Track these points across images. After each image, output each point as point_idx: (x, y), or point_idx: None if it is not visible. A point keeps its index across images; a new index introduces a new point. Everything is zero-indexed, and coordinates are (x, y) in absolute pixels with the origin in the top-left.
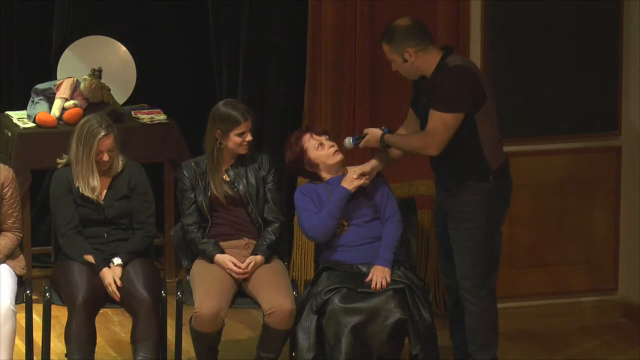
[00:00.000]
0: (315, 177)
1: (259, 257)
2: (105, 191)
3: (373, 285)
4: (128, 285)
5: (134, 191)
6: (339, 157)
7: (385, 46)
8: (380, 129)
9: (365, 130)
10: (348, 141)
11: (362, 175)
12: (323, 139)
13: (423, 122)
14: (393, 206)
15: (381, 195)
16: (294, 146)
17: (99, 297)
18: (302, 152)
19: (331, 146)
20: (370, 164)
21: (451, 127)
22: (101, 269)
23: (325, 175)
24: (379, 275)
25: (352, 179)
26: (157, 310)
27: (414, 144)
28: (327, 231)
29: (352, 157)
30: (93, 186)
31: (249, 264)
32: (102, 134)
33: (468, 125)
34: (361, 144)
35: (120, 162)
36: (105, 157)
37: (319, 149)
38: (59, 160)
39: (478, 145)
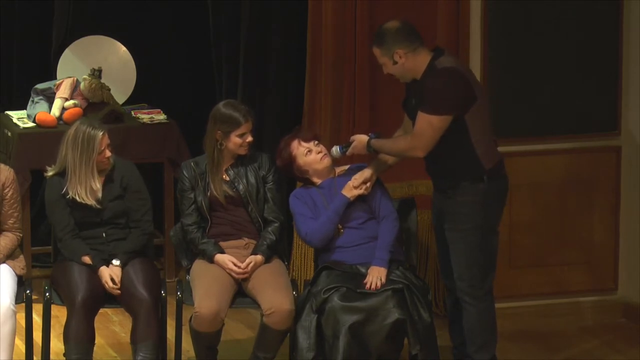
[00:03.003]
0: (307, 181)
1: (258, 257)
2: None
3: (368, 285)
4: (128, 285)
5: (127, 190)
6: (326, 161)
7: (376, 50)
8: (367, 134)
9: (352, 138)
10: (335, 150)
11: (364, 182)
12: (311, 145)
13: (414, 123)
14: (388, 206)
15: (375, 195)
16: (283, 152)
17: (99, 297)
18: (291, 158)
19: (319, 152)
20: (369, 171)
21: (438, 129)
22: (99, 267)
23: (316, 180)
24: (374, 276)
25: (352, 187)
26: (157, 311)
27: (400, 147)
28: (325, 236)
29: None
30: (96, 188)
31: (249, 263)
32: (100, 133)
33: (459, 127)
34: (348, 152)
35: (110, 160)
36: (108, 154)
37: (307, 155)
38: (47, 172)
39: (470, 145)
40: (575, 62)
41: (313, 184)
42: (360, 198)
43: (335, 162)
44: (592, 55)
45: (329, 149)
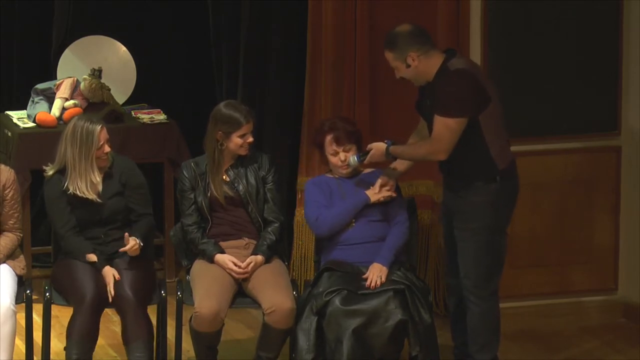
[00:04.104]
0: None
1: (259, 257)
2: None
3: (368, 282)
4: (116, 285)
5: (127, 187)
6: (345, 171)
7: (388, 54)
8: (384, 142)
9: (369, 146)
10: (352, 159)
11: (382, 186)
12: (340, 150)
13: (430, 125)
14: (403, 213)
15: (393, 201)
16: (318, 136)
17: (105, 297)
18: (320, 146)
19: (343, 160)
20: (384, 178)
21: (455, 131)
22: (103, 267)
23: (335, 175)
24: (375, 273)
25: (376, 192)
26: (144, 310)
27: (422, 152)
28: (335, 227)
29: None
30: (96, 182)
31: (249, 263)
32: (98, 127)
33: (473, 127)
34: (366, 160)
35: (109, 156)
36: (107, 148)
37: (332, 156)
38: (47, 171)
39: (484, 146)
40: (575, 62)
41: (333, 174)
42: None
43: (354, 169)
44: (592, 55)
45: None
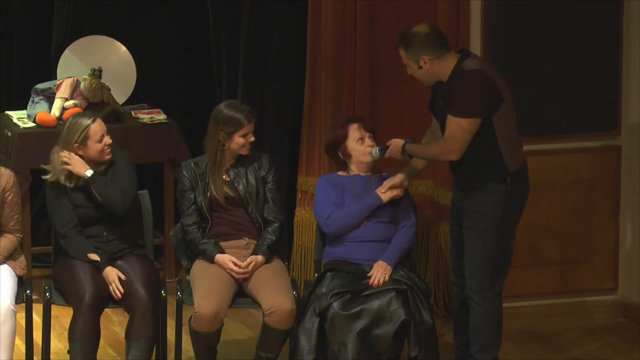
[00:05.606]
0: (344, 166)
1: (259, 257)
2: None
3: (371, 281)
4: (126, 283)
5: (115, 174)
6: (369, 158)
7: (402, 52)
8: (405, 140)
9: (390, 141)
10: (375, 151)
11: (392, 187)
12: (367, 135)
13: (442, 125)
14: (411, 216)
15: (402, 204)
16: (339, 129)
17: (105, 297)
18: (344, 137)
19: (369, 146)
20: (399, 177)
21: (469, 131)
22: (105, 267)
23: (354, 170)
24: (379, 271)
25: (384, 191)
26: (155, 310)
27: (434, 151)
28: (346, 226)
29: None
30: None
31: (250, 263)
32: (92, 123)
33: (486, 128)
34: (386, 154)
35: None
36: (108, 140)
37: (358, 143)
38: (46, 175)
39: (496, 147)
40: (575, 62)
41: (349, 171)
42: (390, 201)
43: (374, 163)
44: (592, 55)
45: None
